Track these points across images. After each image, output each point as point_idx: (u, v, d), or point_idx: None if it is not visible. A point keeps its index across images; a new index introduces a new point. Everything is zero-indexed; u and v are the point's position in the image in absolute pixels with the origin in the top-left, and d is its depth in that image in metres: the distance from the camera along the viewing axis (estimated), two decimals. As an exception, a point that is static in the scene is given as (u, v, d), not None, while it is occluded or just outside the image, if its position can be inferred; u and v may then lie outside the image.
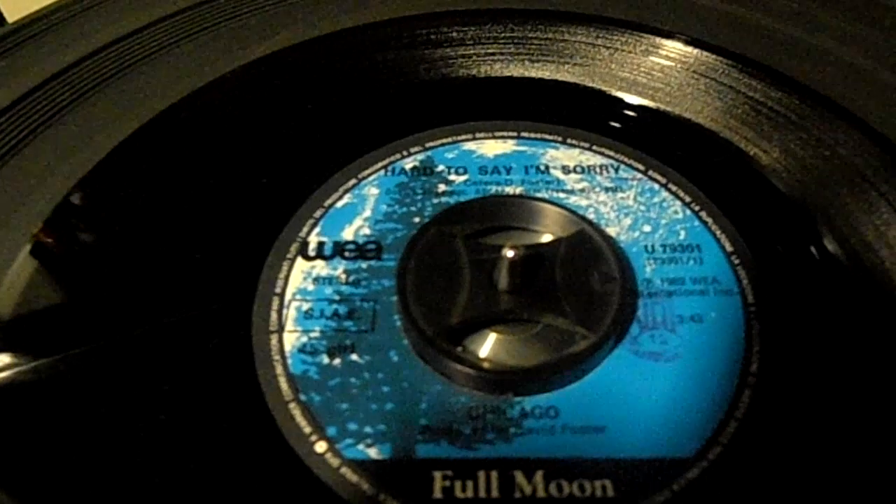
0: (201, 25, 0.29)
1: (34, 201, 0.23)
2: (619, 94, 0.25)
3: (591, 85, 0.26)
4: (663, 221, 0.22)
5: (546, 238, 0.22)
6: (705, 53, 0.25)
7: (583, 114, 0.25)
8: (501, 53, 0.27)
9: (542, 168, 0.23)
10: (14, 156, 0.25)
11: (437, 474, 0.17)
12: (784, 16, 0.27)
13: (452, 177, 0.23)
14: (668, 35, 0.26)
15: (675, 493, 0.17)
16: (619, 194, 0.23)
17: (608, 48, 0.26)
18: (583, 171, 0.23)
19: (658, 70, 0.26)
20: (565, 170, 0.23)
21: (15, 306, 0.20)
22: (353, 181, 0.23)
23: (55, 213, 0.22)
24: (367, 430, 0.18)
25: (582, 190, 0.23)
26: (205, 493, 0.17)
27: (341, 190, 0.23)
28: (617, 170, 0.23)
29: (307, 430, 0.18)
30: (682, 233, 0.22)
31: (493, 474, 0.17)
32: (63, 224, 0.22)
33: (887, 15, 0.27)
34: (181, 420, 0.18)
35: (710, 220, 0.22)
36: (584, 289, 0.20)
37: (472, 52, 0.27)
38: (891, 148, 0.21)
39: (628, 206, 0.22)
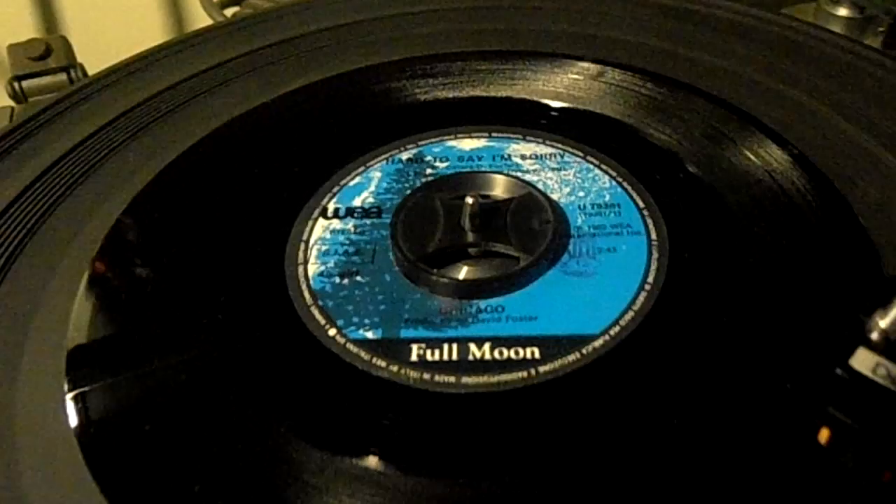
0: (245, 69, 0.38)
1: (92, 228, 0.29)
2: (564, 104, 0.33)
3: (542, 100, 0.33)
4: (594, 189, 0.29)
5: (504, 201, 0.29)
6: (617, 70, 0.33)
7: (538, 119, 0.33)
8: (477, 80, 0.35)
9: (506, 157, 0.31)
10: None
11: (414, 346, 0.24)
12: (668, 39, 0.36)
13: (437, 163, 0.31)
14: (590, 59, 0.34)
15: (584, 355, 0.23)
16: (563, 172, 0.30)
17: (552, 72, 0.34)
18: (536, 158, 0.31)
19: (588, 84, 0.33)
20: (523, 157, 0.31)
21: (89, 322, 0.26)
22: (362, 168, 0.31)
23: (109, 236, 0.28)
24: (366, 321, 0.25)
25: (535, 170, 0.30)
26: (253, 369, 0.24)
27: (353, 174, 0.30)
28: (563, 156, 0.31)
29: (323, 322, 0.25)
30: (608, 195, 0.29)
31: (454, 345, 0.24)
32: (121, 234, 0.29)
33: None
34: (236, 323, 0.25)
35: (629, 187, 0.29)
36: (527, 228, 0.27)
37: (454, 80, 0.35)
38: (741, 114, 0.30)
39: (569, 180, 0.30)
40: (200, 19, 0.52)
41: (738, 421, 0.22)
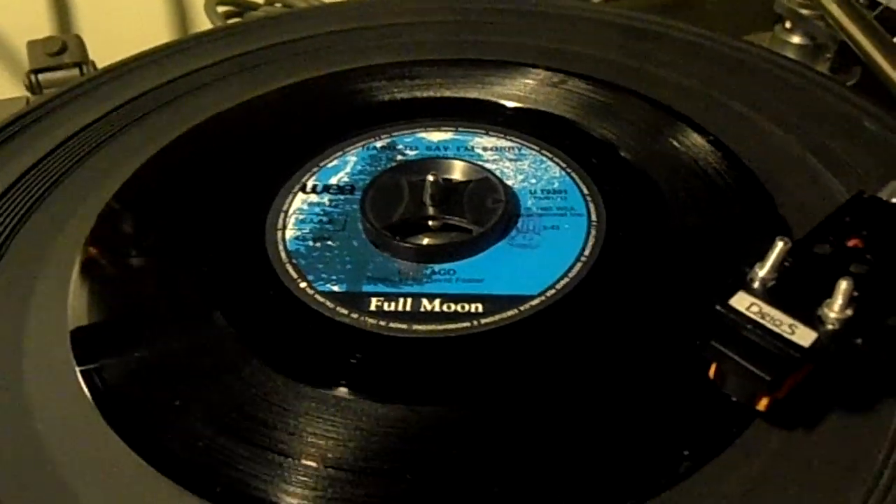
0: (240, 67, 0.41)
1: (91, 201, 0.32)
2: (525, 105, 0.37)
3: (506, 102, 0.37)
4: (545, 177, 0.33)
5: (465, 184, 0.33)
6: (573, 78, 0.37)
7: (501, 117, 0.36)
8: (450, 83, 0.38)
9: (470, 148, 0.35)
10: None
11: (373, 299, 0.27)
12: (626, 54, 0.40)
13: (407, 151, 0.34)
14: (549, 69, 0.38)
15: (521, 311, 0.27)
16: (519, 163, 0.34)
17: (516, 79, 0.38)
18: (496, 150, 0.34)
19: (547, 90, 0.37)
20: (485, 149, 0.34)
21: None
22: (340, 152, 0.34)
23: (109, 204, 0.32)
24: (333, 277, 0.28)
25: (494, 160, 0.34)
26: (236, 315, 0.27)
27: (331, 157, 0.34)
28: (520, 149, 0.34)
29: (296, 276, 0.28)
30: (556, 183, 0.32)
31: (409, 299, 0.27)
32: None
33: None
34: (222, 277, 0.29)
35: (576, 177, 0.33)
36: (481, 206, 0.31)
37: (429, 82, 0.38)
38: (679, 116, 0.34)
39: (524, 169, 0.33)
40: (205, 26, 0.56)
41: (645, 362, 0.25)
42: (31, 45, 0.48)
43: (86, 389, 0.25)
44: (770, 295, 0.21)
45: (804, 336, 0.20)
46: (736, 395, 0.22)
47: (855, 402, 0.24)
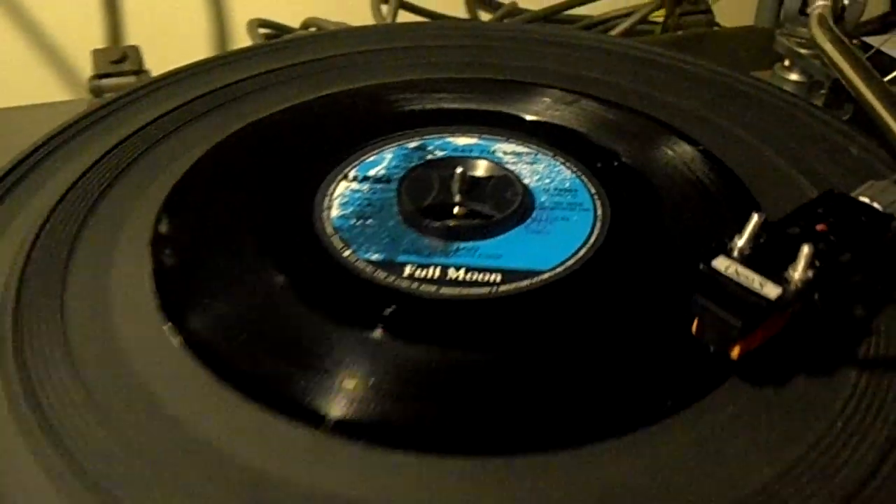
0: (290, 77, 0.46)
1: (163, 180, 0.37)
2: (543, 119, 0.41)
3: (526, 115, 0.42)
4: (558, 178, 0.37)
5: (487, 180, 0.37)
6: (586, 98, 0.42)
7: (521, 128, 0.41)
8: (475, 98, 0.43)
9: (492, 152, 0.39)
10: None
11: (407, 266, 0.32)
12: (633, 80, 0.45)
13: (436, 152, 0.39)
14: (565, 90, 0.43)
15: (533, 283, 0.31)
16: (535, 165, 0.38)
17: (536, 97, 0.43)
18: (516, 155, 0.39)
19: (563, 108, 0.42)
20: (505, 153, 0.39)
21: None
22: (377, 150, 0.39)
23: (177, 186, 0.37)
24: (373, 248, 0.33)
25: (513, 162, 0.38)
26: (292, 278, 0.31)
27: (370, 153, 0.39)
28: (536, 154, 0.39)
29: (340, 247, 0.32)
30: (568, 183, 0.37)
31: (437, 268, 0.32)
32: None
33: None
34: (279, 247, 0.33)
35: (585, 179, 0.37)
36: (502, 197, 0.35)
37: (457, 96, 0.43)
38: (679, 133, 0.38)
39: (539, 171, 0.38)
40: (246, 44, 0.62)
41: (637, 325, 0.29)
42: (96, 53, 0.53)
43: (173, 334, 0.29)
44: (745, 260, 0.26)
45: (771, 290, 0.25)
46: (713, 344, 0.26)
47: (816, 363, 0.28)
